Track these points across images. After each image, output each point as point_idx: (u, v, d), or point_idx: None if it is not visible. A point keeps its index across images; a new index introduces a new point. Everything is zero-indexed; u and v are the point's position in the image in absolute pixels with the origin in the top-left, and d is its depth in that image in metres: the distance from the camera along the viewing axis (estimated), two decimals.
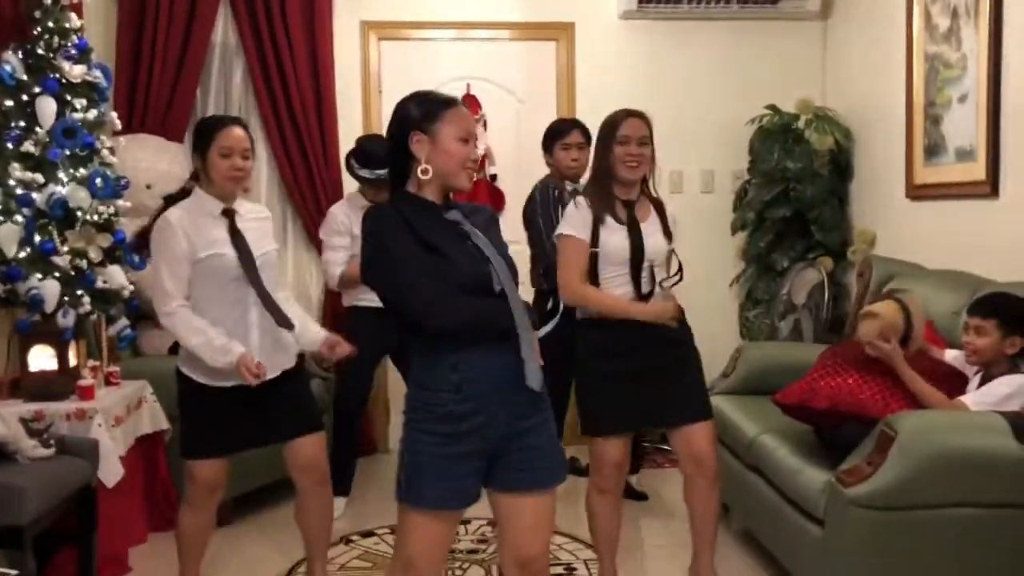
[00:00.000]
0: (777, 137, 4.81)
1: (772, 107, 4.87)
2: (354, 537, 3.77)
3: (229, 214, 2.80)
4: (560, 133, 4.10)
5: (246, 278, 2.75)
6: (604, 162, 2.91)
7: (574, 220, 2.89)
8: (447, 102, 2.12)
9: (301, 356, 3.00)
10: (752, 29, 5.06)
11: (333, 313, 4.82)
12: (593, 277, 2.86)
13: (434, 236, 2.05)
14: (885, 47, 4.39)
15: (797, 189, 4.70)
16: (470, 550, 3.60)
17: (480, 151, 5.01)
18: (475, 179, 2.44)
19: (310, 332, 2.93)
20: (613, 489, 2.97)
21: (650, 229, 2.90)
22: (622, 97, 4.89)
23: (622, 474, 3.00)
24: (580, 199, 2.94)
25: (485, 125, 5.00)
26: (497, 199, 5.03)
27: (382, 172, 3.91)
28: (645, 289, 2.86)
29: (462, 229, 2.10)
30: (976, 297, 3.03)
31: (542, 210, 3.98)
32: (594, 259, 2.86)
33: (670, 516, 3.97)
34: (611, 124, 2.92)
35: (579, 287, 2.86)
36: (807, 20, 5.03)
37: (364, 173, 3.99)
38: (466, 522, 3.83)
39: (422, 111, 2.09)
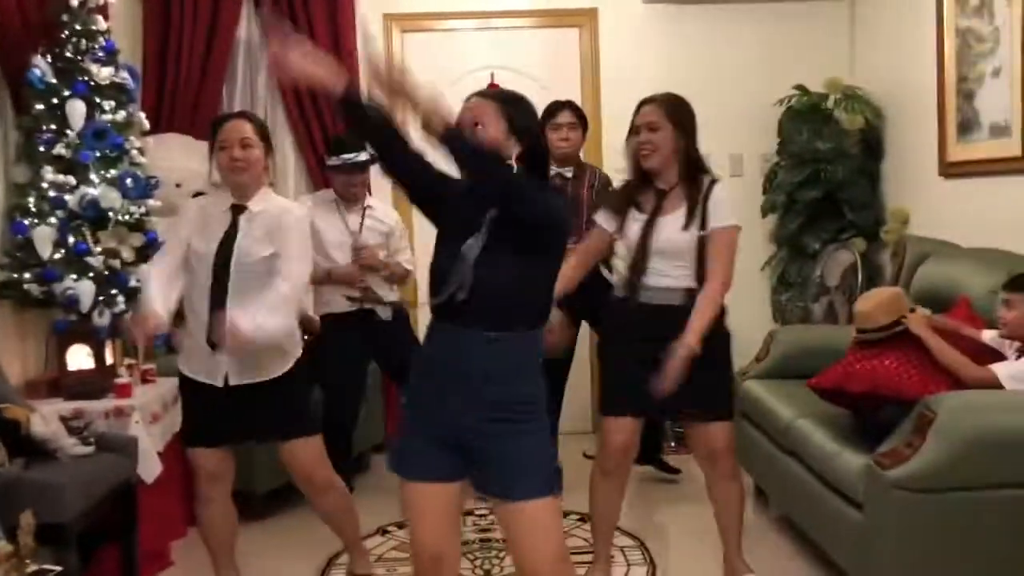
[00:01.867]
0: (806, 118, 4.75)
1: (800, 87, 4.81)
2: (390, 528, 3.79)
3: (237, 210, 2.84)
4: (549, 113, 4.06)
5: (209, 281, 2.78)
6: (630, 152, 2.92)
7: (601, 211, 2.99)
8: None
9: (297, 363, 2.93)
10: (778, 9, 5.00)
11: None
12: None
13: None
14: (915, 22, 4.32)
15: (828, 170, 4.65)
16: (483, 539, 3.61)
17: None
18: None
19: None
20: (615, 472, 2.96)
21: (668, 220, 2.82)
22: (647, 82, 4.85)
23: (627, 459, 2.98)
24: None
25: None
26: None
27: (349, 156, 3.94)
28: (654, 283, 2.81)
29: None
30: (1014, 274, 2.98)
31: None
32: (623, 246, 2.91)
33: (704, 501, 3.95)
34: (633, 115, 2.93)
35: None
36: None
37: (333, 161, 3.99)
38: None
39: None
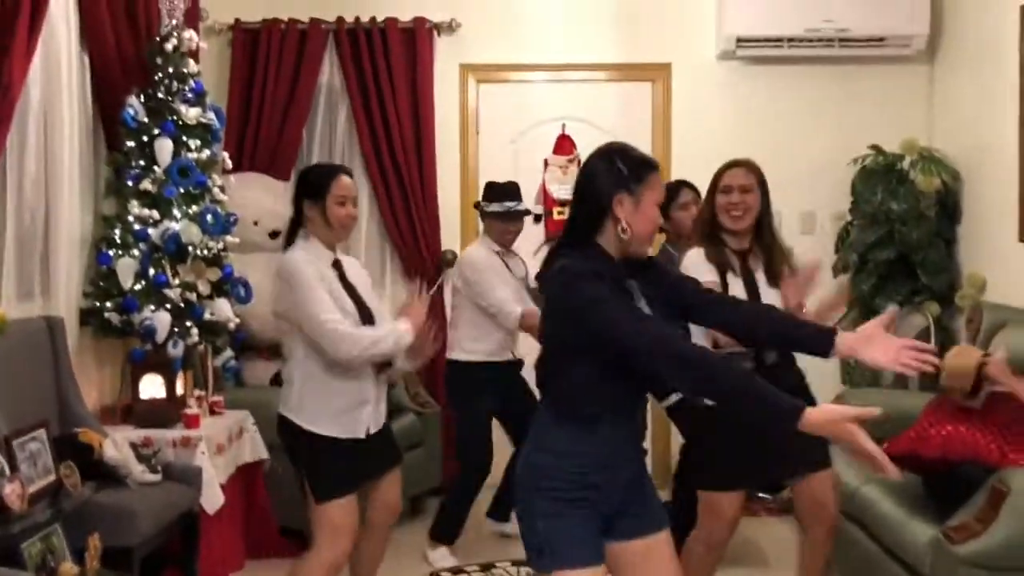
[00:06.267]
0: (880, 178, 4.68)
1: (875, 147, 4.75)
2: (443, 574, 3.78)
3: (338, 266, 2.86)
4: (673, 193, 3.93)
5: None
6: (709, 213, 2.92)
7: (699, 269, 2.83)
8: (653, 164, 2.09)
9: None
10: (855, 69, 4.96)
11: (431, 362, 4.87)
12: None
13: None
14: (995, 86, 4.25)
15: (902, 231, 4.56)
16: None
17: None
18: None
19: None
20: (722, 545, 2.92)
21: (759, 280, 2.88)
22: (718, 138, 4.89)
23: (735, 530, 2.94)
24: (693, 252, 2.92)
25: (579, 165, 5.04)
26: None
27: (511, 204, 3.92)
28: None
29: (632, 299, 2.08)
30: None
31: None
32: None
33: (766, 566, 3.85)
34: (715, 175, 2.93)
35: None
36: (913, 60, 4.91)
37: (495, 207, 3.92)
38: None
39: (630, 170, 2.04)
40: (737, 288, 2.85)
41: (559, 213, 5.06)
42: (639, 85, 5.10)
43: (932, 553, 2.59)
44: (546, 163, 5.06)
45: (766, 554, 3.96)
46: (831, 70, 4.97)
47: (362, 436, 2.78)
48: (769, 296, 2.86)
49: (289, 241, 2.87)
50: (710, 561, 2.92)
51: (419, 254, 4.91)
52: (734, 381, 1.90)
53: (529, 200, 5.03)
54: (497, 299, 3.78)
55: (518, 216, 3.97)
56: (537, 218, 5.05)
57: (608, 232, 2.05)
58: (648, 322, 1.98)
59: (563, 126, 5.06)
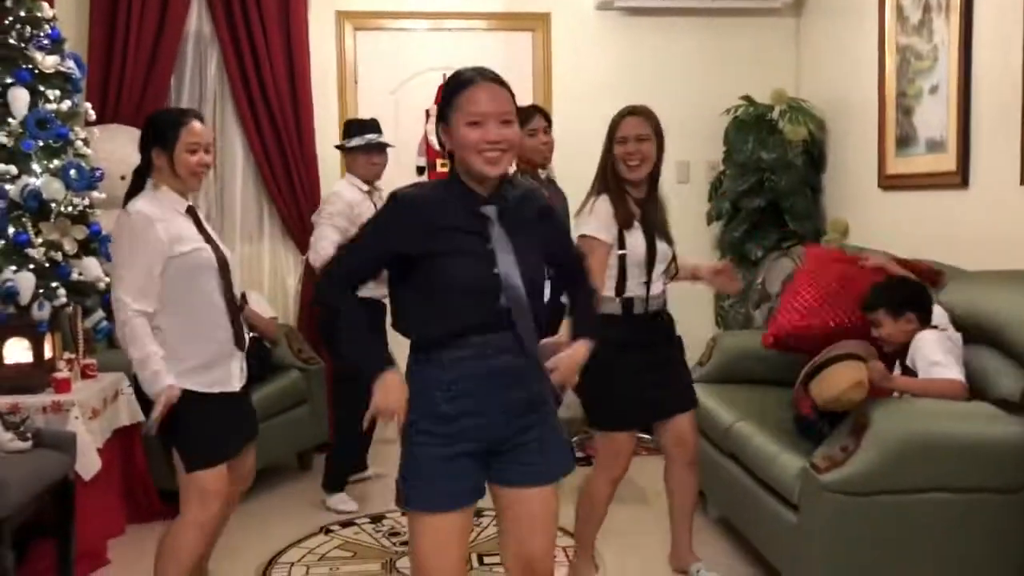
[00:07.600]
0: (752, 128, 4.85)
1: (747, 98, 4.91)
2: (333, 527, 3.78)
3: (192, 212, 2.76)
4: (524, 119, 3.93)
5: (219, 280, 2.70)
6: (608, 162, 2.96)
7: (602, 224, 2.90)
8: (463, 82, 2.00)
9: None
10: (727, 21, 5.10)
11: (310, 306, 4.81)
12: (623, 279, 2.92)
13: (448, 232, 2.00)
14: (857, 39, 4.45)
15: (771, 179, 4.75)
16: None
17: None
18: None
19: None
20: (622, 478, 3.06)
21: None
22: (598, 87, 4.95)
23: (631, 462, 3.08)
24: (600, 203, 2.93)
25: None
26: None
27: (372, 136, 3.99)
28: (655, 291, 2.96)
29: (487, 230, 2.03)
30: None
31: None
32: (623, 261, 2.91)
33: (645, 503, 4.01)
34: (612, 123, 2.97)
35: None
36: (781, 12, 5.07)
37: (356, 141, 4.00)
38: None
39: (446, 100, 2.02)
40: (636, 239, 2.91)
41: (442, 165, 5.03)
42: (520, 35, 5.09)
43: (800, 483, 2.75)
44: (428, 114, 5.00)
45: (646, 491, 4.12)
46: (705, 22, 5.08)
47: (236, 389, 2.72)
48: (661, 246, 2.96)
49: (133, 192, 2.71)
50: (609, 498, 3.06)
51: (297, 206, 4.81)
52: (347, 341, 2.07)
53: (412, 151, 4.99)
54: (317, 235, 3.90)
55: (381, 148, 4.05)
56: (420, 170, 5.01)
57: (458, 163, 2.05)
58: (348, 282, 2.08)
59: (444, 76, 4.98)
